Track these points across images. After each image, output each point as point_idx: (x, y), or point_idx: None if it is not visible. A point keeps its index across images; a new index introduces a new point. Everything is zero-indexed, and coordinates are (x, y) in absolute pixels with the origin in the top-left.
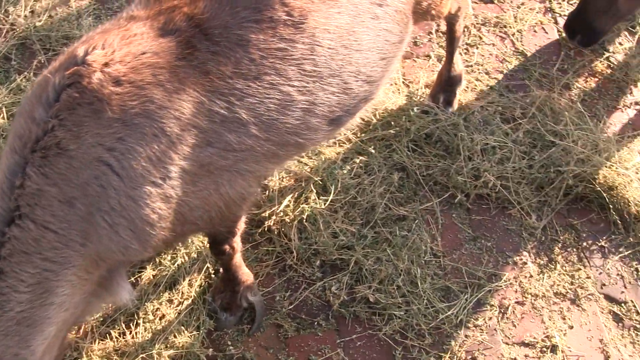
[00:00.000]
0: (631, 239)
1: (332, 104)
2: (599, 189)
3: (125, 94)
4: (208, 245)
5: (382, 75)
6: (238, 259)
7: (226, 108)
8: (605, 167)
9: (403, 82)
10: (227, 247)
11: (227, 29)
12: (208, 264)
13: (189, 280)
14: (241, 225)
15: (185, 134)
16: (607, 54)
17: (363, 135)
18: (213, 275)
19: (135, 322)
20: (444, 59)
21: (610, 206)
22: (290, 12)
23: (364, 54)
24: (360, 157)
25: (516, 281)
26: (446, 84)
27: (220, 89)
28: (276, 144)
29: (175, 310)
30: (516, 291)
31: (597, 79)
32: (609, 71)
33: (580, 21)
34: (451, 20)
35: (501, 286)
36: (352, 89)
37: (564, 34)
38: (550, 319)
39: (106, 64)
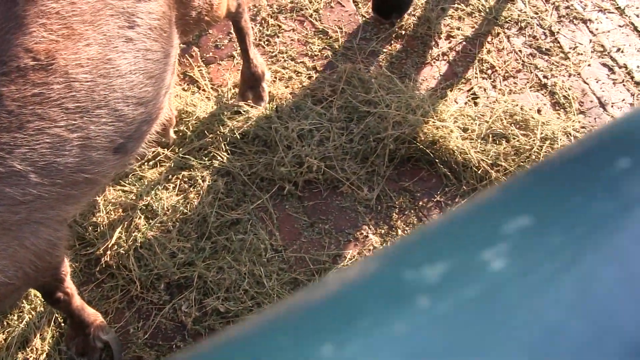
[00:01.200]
0: (464, 187)
1: (109, 134)
2: (422, 146)
3: None
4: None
5: (157, 93)
6: (77, 301)
7: None
8: (423, 123)
9: (211, 88)
10: (60, 294)
11: None
12: (56, 314)
13: (40, 334)
14: (66, 269)
15: None
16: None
17: (181, 149)
18: (63, 324)
19: None
20: None
21: (437, 160)
22: (36, 56)
23: (126, 78)
24: (182, 172)
25: (361, 256)
26: (251, 81)
27: None
28: (65, 186)
29: None
30: None
31: (401, 40)
32: (411, 29)
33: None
34: (235, 18)
35: (347, 265)
36: (125, 115)
37: (359, 5)
38: None
39: None
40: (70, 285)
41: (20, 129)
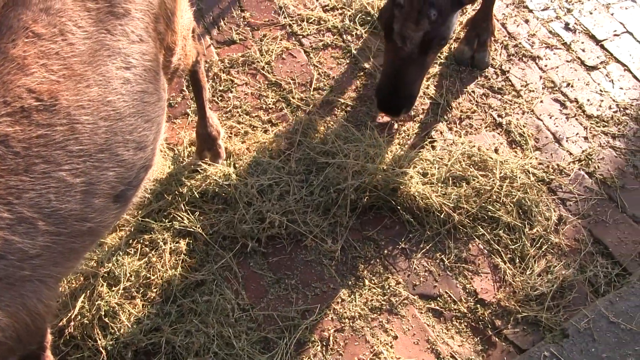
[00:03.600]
0: (428, 232)
1: (110, 180)
2: (383, 194)
3: None
4: None
5: (154, 138)
6: None
7: (8, 210)
8: (382, 171)
9: (167, 147)
10: None
11: None
12: None
13: None
14: (49, 337)
15: None
16: (362, 63)
17: (140, 212)
18: None
19: None
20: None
21: (399, 207)
22: (39, 97)
23: (126, 121)
24: (143, 236)
25: (330, 310)
26: (207, 140)
27: None
28: (69, 236)
29: None
30: (332, 320)
31: (354, 87)
32: (363, 78)
33: (400, 97)
34: (194, 67)
35: (316, 319)
36: (126, 160)
37: (310, 55)
38: (373, 336)
39: None
40: (49, 355)
41: (27, 172)
